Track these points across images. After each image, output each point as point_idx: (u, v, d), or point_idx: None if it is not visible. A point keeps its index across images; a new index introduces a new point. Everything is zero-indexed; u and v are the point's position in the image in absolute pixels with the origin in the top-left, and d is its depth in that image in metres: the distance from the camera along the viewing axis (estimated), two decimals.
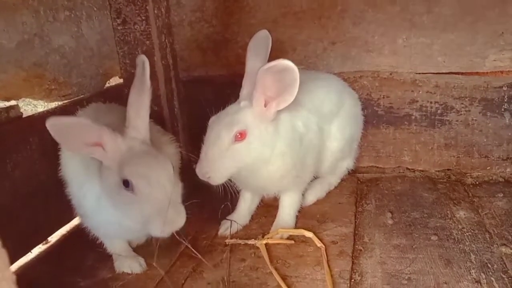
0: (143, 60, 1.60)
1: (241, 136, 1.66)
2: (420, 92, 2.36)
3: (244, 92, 1.78)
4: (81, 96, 2.22)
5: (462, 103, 2.32)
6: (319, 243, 1.78)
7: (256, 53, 1.80)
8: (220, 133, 1.65)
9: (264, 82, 1.60)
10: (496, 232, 1.82)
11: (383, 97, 2.41)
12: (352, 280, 1.59)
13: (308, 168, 1.97)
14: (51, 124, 1.35)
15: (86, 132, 1.42)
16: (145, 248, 1.84)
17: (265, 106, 1.67)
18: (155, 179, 1.44)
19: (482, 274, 1.56)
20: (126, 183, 1.45)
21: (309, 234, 1.84)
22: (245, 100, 1.73)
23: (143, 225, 1.47)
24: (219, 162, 1.66)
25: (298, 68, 1.56)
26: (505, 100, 2.27)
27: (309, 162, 1.94)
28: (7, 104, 1.83)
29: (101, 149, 1.47)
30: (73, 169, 1.68)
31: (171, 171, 1.51)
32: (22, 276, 1.79)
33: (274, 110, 1.68)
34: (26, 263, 1.88)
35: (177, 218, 1.47)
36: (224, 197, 1.82)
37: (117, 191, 1.47)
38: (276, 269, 1.66)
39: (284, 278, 1.61)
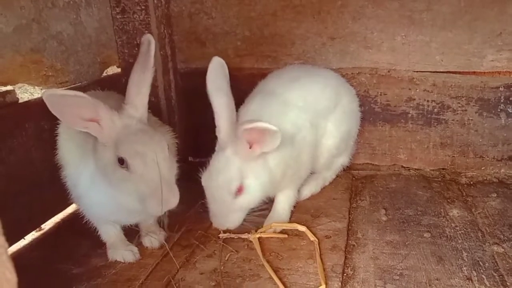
0: (149, 39, 1.62)
1: (239, 190, 1.70)
2: (418, 91, 2.36)
3: (221, 134, 1.75)
4: (78, 84, 2.21)
5: (459, 103, 2.33)
6: (312, 237, 1.79)
7: (217, 87, 1.78)
8: (221, 196, 1.70)
9: (247, 135, 1.62)
10: (488, 231, 1.83)
11: (381, 94, 2.42)
12: (345, 274, 1.60)
13: (304, 165, 1.98)
14: (48, 95, 1.35)
15: (82, 106, 1.42)
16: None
17: (250, 147, 1.68)
18: (151, 158, 1.45)
19: (473, 271, 1.57)
20: (121, 161, 1.46)
21: (302, 228, 1.85)
22: (227, 147, 1.71)
23: (138, 203, 1.48)
24: (230, 216, 1.74)
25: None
26: (502, 101, 2.28)
27: (304, 159, 1.95)
28: (3, 89, 1.82)
29: (96, 124, 1.47)
30: (69, 151, 1.68)
31: (166, 150, 1.52)
32: (15, 261, 1.78)
33: (258, 152, 1.68)
34: (19, 249, 1.87)
35: (171, 197, 1.48)
36: None
37: (112, 169, 1.48)
38: (268, 261, 1.67)
39: (276, 271, 1.61)
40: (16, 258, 1.80)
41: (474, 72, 2.28)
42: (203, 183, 1.74)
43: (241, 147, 1.67)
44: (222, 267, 1.66)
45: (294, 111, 1.93)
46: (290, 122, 1.89)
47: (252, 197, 1.75)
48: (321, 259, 1.66)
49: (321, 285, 1.51)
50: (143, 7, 2.20)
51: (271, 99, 1.95)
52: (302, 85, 2.02)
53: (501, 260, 1.63)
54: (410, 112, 2.40)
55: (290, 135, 1.85)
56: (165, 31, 2.35)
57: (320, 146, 2.09)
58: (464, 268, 1.59)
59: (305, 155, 1.95)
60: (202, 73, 2.60)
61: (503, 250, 1.69)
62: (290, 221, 1.95)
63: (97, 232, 1.78)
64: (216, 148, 1.78)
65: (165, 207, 1.47)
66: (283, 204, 1.98)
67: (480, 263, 1.62)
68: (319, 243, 1.77)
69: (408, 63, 2.34)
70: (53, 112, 1.38)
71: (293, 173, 1.90)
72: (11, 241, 1.83)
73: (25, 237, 1.91)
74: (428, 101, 2.36)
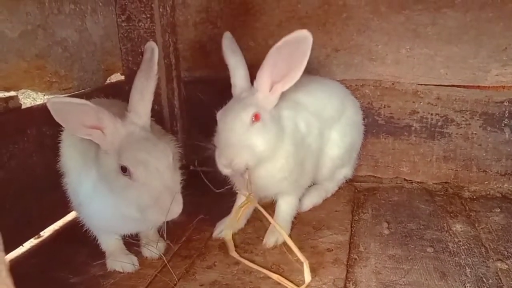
0: (152, 47, 1.63)
1: (256, 118, 1.66)
2: (421, 104, 2.35)
3: (237, 88, 1.80)
4: (82, 90, 2.21)
5: (463, 116, 2.32)
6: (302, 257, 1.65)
7: (232, 51, 1.85)
8: (239, 117, 1.65)
9: (275, 60, 1.62)
10: (492, 247, 1.81)
11: (384, 107, 2.41)
12: None
13: (307, 173, 1.97)
14: (52, 102, 1.35)
15: (86, 113, 1.42)
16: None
17: (269, 90, 1.69)
18: (154, 166, 1.44)
19: None
20: (124, 169, 1.44)
21: (304, 260, 1.65)
22: (243, 93, 1.74)
23: (139, 212, 1.46)
24: (242, 145, 1.64)
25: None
26: (506, 116, 2.27)
27: (307, 166, 1.94)
28: (6, 94, 1.81)
29: (100, 132, 1.47)
30: (72, 158, 1.68)
31: (170, 158, 1.51)
32: (13, 269, 1.75)
33: (278, 93, 1.70)
34: (17, 256, 1.86)
35: (174, 206, 1.45)
36: (220, 200, 1.80)
37: (115, 177, 1.47)
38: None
39: (277, 284, 1.60)
40: (14, 266, 1.78)
41: (479, 86, 2.28)
42: (218, 118, 1.71)
43: (261, 88, 1.69)
44: None
45: (307, 113, 1.93)
46: (304, 122, 1.89)
47: (267, 130, 1.68)
48: (322, 273, 1.66)
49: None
50: (148, 15, 2.20)
51: (284, 101, 1.94)
52: (311, 91, 2.02)
53: (505, 277, 1.61)
54: (414, 125, 2.39)
55: (302, 134, 1.86)
56: (169, 39, 2.35)
57: (323, 155, 2.08)
58: (468, 285, 1.57)
59: (308, 162, 1.94)
60: (206, 82, 2.62)
61: (507, 266, 1.67)
62: (292, 233, 1.93)
63: (97, 240, 1.77)
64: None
65: (167, 216, 1.46)
66: (284, 215, 1.97)
67: (484, 279, 1.60)
68: (321, 256, 1.75)
69: (412, 76, 2.34)
70: (56, 119, 1.37)
71: (295, 178, 1.89)
72: (9, 248, 1.83)
73: (23, 244, 1.89)
74: (432, 114, 2.35)
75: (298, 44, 1.58)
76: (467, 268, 1.67)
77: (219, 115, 1.72)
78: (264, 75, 1.67)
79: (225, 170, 1.67)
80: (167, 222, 1.50)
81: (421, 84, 2.34)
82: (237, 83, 1.80)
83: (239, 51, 1.86)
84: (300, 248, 1.81)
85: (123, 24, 2.23)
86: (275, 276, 1.62)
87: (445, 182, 2.41)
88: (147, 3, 2.17)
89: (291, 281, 1.60)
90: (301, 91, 1.99)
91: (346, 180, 2.37)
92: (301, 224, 2.03)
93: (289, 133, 1.78)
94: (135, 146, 1.47)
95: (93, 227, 1.72)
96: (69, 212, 2.06)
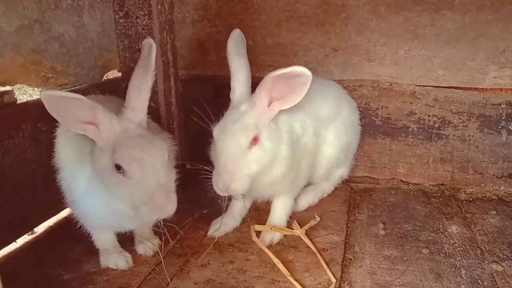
0: (150, 43, 1.62)
1: (255, 140, 1.64)
2: (419, 105, 2.35)
3: (236, 94, 1.76)
4: (78, 86, 2.20)
5: (460, 118, 2.32)
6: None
7: (237, 52, 1.80)
8: (237, 141, 1.61)
9: (272, 85, 1.59)
10: (487, 249, 1.81)
11: (382, 108, 2.41)
12: None
13: (303, 173, 1.96)
14: (46, 95, 1.33)
15: (81, 108, 1.40)
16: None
17: (267, 106, 1.66)
18: (148, 163, 1.43)
19: None
20: (118, 166, 1.43)
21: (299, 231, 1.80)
22: (243, 103, 1.70)
23: (134, 210, 1.45)
24: (241, 171, 1.62)
25: None
26: (503, 118, 2.27)
27: (303, 166, 1.93)
28: (2, 89, 1.80)
29: (95, 127, 1.45)
30: (67, 154, 1.66)
31: (165, 156, 1.50)
32: (5, 265, 1.76)
33: (277, 110, 1.66)
34: (10, 252, 1.84)
35: (168, 205, 1.45)
36: (215, 199, 1.79)
37: (109, 173, 1.46)
38: (264, 273, 1.65)
39: (272, 283, 1.59)
40: (7, 262, 1.78)
41: (476, 88, 2.28)
42: (215, 135, 1.67)
43: (259, 104, 1.64)
44: None
45: (302, 114, 1.92)
46: (299, 123, 1.88)
47: (265, 151, 1.66)
48: (317, 272, 1.64)
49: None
50: (146, 12, 2.19)
51: None
52: (306, 92, 2.01)
53: (500, 279, 1.61)
54: (411, 126, 2.39)
55: (297, 136, 1.85)
56: (167, 37, 2.34)
57: (319, 155, 2.07)
58: (463, 286, 1.57)
59: (304, 163, 1.93)
60: (203, 80, 2.62)
61: (502, 268, 1.67)
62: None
63: (90, 237, 1.76)
64: (229, 108, 1.75)
65: (161, 215, 1.44)
66: (279, 214, 1.96)
67: (479, 281, 1.60)
68: (315, 256, 1.74)
69: (410, 77, 2.34)
70: (51, 113, 1.36)
71: (292, 179, 1.88)
72: (2, 244, 1.81)
73: (16, 240, 1.88)
74: (429, 115, 2.35)
75: (295, 78, 1.55)
76: (462, 269, 1.67)
77: (216, 131, 1.68)
78: (262, 93, 1.63)
79: (222, 194, 1.65)
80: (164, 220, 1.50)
81: (419, 85, 2.34)
82: (236, 88, 1.77)
83: (244, 53, 1.81)
84: (295, 248, 1.82)
85: (120, 21, 2.22)
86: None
87: (442, 184, 2.41)
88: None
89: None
90: None
91: (342, 181, 2.37)
92: (297, 223, 2.01)
93: (285, 137, 1.76)
94: (129, 143, 1.45)
95: (87, 223, 1.71)
96: (63, 209, 2.05)
